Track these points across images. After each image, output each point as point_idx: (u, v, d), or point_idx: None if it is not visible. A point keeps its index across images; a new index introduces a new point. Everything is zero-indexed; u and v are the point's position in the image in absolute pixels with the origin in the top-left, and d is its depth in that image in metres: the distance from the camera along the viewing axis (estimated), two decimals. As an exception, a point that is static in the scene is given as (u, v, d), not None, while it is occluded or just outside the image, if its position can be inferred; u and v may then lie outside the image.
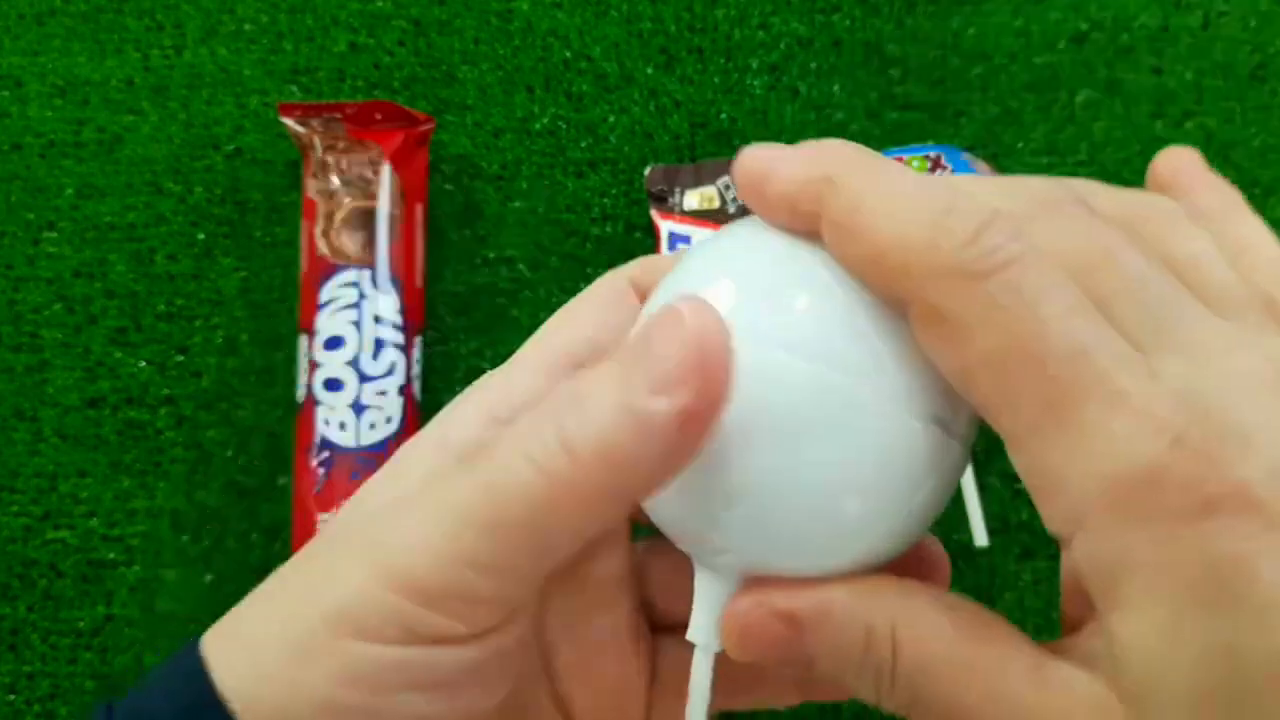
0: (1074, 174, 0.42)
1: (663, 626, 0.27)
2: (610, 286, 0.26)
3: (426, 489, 0.21)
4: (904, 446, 0.19)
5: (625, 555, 0.26)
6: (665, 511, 0.21)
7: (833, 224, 0.19)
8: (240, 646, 0.22)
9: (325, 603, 0.21)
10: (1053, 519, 0.18)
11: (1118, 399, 0.17)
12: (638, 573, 0.27)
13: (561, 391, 0.20)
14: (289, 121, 0.42)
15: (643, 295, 0.25)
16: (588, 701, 0.26)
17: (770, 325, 0.19)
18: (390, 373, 0.40)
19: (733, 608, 0.21)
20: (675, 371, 0.18)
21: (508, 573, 0.20)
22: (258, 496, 0.41)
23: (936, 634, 0.19)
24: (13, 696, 0.39)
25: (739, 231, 0.21)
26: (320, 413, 0.39)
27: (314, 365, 0.40)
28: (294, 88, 0.45)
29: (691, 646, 0.22)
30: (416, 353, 0.41)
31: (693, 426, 0.19)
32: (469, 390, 0.24)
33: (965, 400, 0.19)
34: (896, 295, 0.18)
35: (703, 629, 0.22)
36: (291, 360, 0.42)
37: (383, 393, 0.40)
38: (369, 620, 0.20)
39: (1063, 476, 0.17)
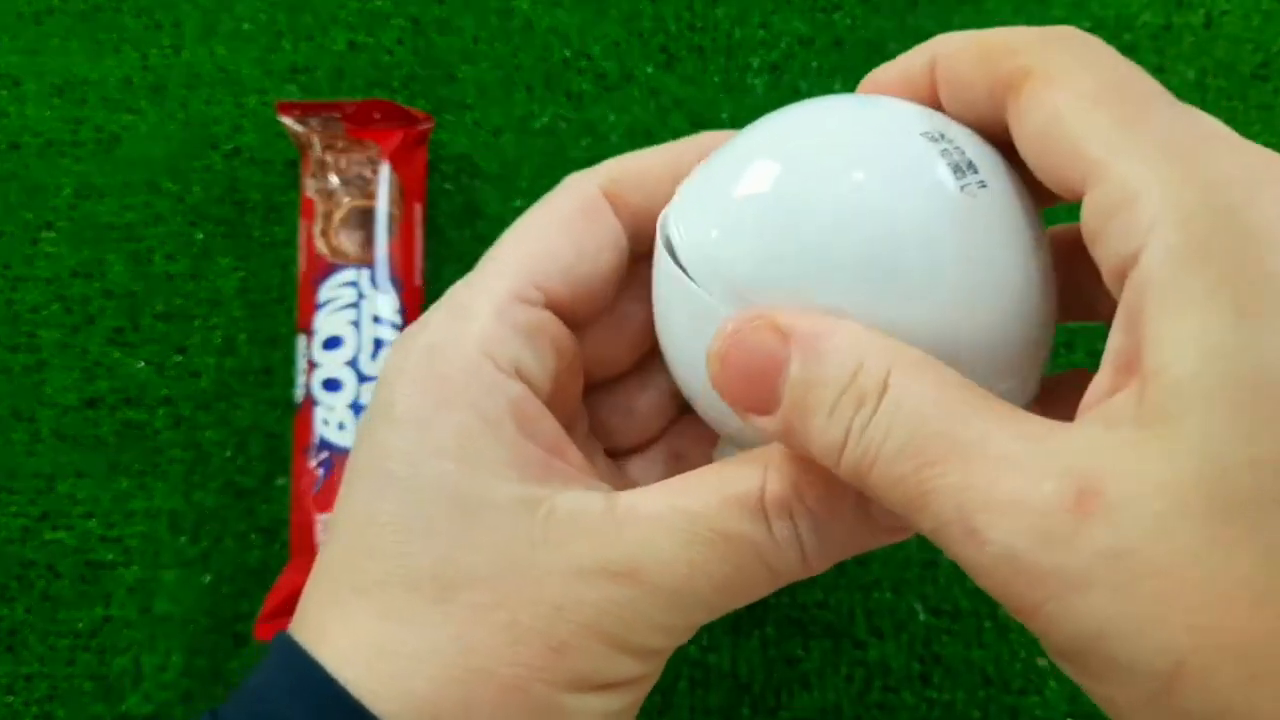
0: (1076, 173, 0.42)
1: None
2: (580, 195, 0.24)
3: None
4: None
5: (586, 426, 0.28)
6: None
7: None
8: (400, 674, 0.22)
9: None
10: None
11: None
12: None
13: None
14: (287, 120, 0.42)
15: (623, 207, 0.24)
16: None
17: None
18: (389, 373, 0.40)
19: (723, 326, 0.20)
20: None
21: None
22: (256, 497, 0.40)
23: (938, 381, 0.18)
24: (11, 698, 0.39)
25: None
26: (319, 413, 0.39)
27: (312, 365, 0.40)
28: (293, 86, 0.45)
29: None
30: (416, 353, 0.41)
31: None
32: (447, 303, 0.23)
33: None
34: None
35: None
36: (290, 360, 0.41)
37: (382, 393, 0.40)
38: None
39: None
